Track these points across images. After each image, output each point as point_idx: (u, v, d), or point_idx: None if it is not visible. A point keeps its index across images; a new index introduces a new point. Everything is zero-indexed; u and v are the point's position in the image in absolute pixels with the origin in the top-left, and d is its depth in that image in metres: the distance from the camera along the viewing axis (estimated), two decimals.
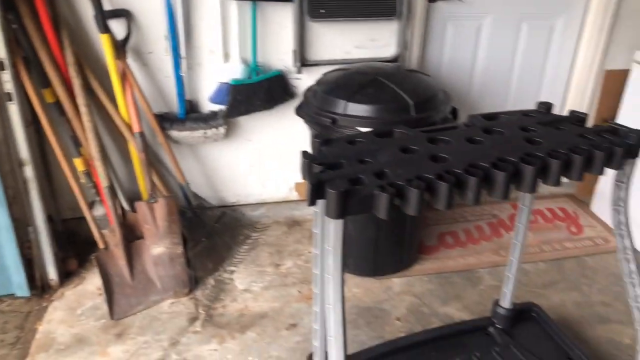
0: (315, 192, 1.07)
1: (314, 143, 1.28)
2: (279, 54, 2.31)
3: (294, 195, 2.67)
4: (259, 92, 2.24)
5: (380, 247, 2.22)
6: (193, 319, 2.06)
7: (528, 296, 2.20)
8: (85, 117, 2.02)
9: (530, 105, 2.94)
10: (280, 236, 2.59)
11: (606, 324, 2.08)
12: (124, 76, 2.08)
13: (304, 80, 2.32)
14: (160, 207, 2.11)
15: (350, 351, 1.77)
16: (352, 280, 2.30)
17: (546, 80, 2.84)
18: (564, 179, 1.23)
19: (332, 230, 1.09)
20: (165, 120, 2.24)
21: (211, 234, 2.33)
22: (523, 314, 1.92)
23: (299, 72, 2.31)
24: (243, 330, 2.01)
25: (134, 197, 2.24)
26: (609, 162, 1.27)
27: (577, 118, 1.45)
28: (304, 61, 2.31)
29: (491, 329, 1.87)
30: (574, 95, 2.78)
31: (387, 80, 1.97)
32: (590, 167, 1.24)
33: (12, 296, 2.13)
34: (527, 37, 2.70)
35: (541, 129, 1.36)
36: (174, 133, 2.24)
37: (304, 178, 1.18)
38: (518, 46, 2.72)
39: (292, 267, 2.36)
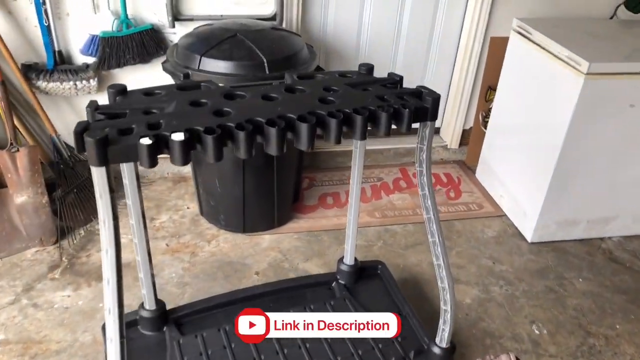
0: (80, 140, 1.09)
1: (109, 92, 1.30)
2: (153, 7, 2.27)
3: None
4: (131, 45, 2.22)
5: (249, 205, 2.27)
6: (54, 267, 2.10)
7: (389, 255, 2.30)
8: None
9: (419, 70, 2.96)
10: (163, 191, 2.62)
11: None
12: None
13: (179, 35, 2.29)
14: (22, 157, 2.11)
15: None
16: (223, 235, 2.35)
17: (434, 45, 2.86)
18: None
19: (96, 178, 1.12)
20: (32, 70, 2.20)
21: (85, 185, 2.33)
22: (367, 271, 2.01)
23: (172, 26, 2.28)
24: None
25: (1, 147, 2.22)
26: (398, 123, 1.32)
27: (392, 80, 1.49)
28: (178, 15, 2.29)
29: (334, 284, 1.96)
30: (462, 60, 2.82)
31: (245, 37, 1.98)
32: (377, 126, 1.30)
33: None
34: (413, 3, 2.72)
35: (345, 90, 1.39)
36: (42, 84, 2.21)
37: None
38: (404, 13, 2.74)
39: (167, 222, 2.40)
